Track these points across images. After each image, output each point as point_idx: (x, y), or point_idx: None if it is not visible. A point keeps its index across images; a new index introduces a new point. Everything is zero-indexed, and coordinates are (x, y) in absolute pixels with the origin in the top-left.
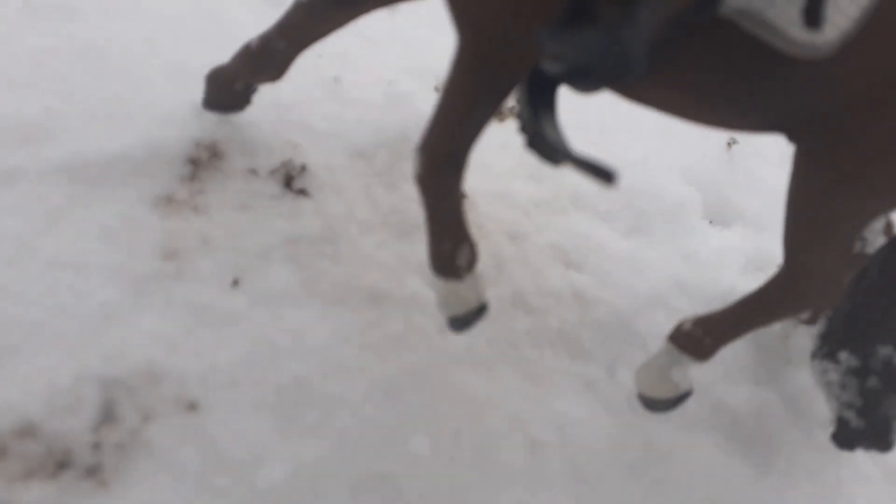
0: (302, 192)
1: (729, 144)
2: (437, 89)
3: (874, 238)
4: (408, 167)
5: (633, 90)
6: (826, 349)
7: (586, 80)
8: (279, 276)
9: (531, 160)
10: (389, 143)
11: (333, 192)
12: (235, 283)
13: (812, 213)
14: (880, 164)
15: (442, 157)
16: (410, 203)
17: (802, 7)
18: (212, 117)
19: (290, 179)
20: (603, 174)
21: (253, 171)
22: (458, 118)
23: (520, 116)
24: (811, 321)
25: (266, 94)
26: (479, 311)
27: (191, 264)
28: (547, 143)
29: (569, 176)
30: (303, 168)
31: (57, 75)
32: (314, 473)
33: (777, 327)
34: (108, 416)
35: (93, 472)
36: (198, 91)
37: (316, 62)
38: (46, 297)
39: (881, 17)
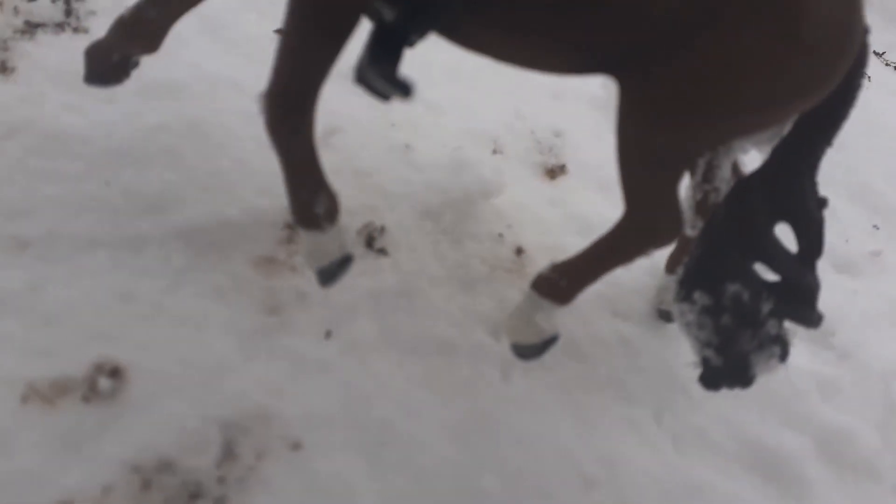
0: (381, 252)
1: None
2: (494, 152)
3: (725, 186)
4: (471, 226)
5: (459, 36)
6: (682, 292)
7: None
8: (364, 327)
9: (580, 216)
10: (454, 203)
11: (407, 250)
12: (328, 334)
13: (638, 151)
14: (692, 97)
15: (286, 101)
16: (473, 259)
17: None
18: None
19: (372, 240)
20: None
21: None
22: (297, 63)
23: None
24: (671, 270)
25: (348, 164)
26: (343, 262)
27: (290, 318)
28: (369, 85)
29: None
30: (382, 229)
31: (171, 150)
32: None
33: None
34: (228, 453)
35: (219, 502)
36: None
37: (389, 131)
38: (174, 350)
39: None
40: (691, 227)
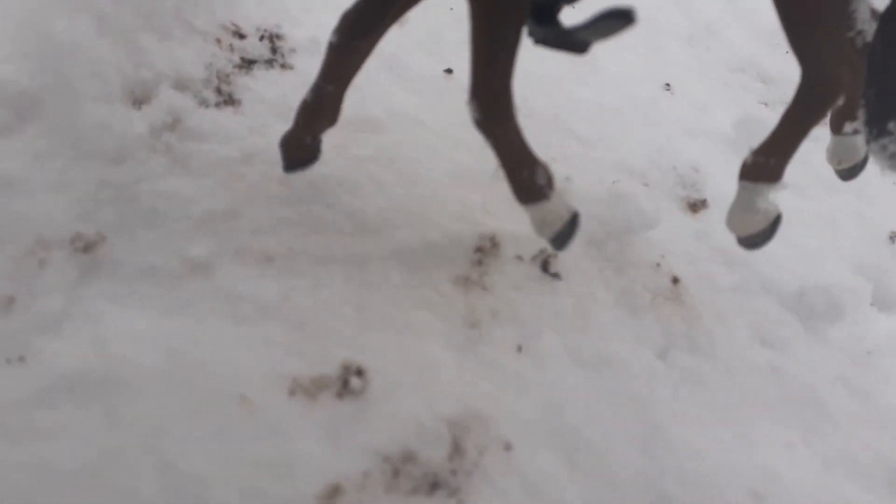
0: (556, 276)
1: (892, 237)
2: (645, 185)
3: (868, 27)
4: (631, 255)
5: None
6: (875, 130)
7: None
8: (550, 343)
9: (723, 248)
10: (615, 233)
11: (578, 275)
12: (520, 348)
13: (801, 9)
14: None
15: (491, 100)
16: (636, 286)
17: None
18: (490, 217)
19: (547, 264)
20: (620, 16)
21: (520, 258)
22: (492, 64)
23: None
24: (837, 130)
25: None
26: (574, 221)
27: (488, 332)
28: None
29: (757, 263)
30: (555, 255)
31: (376, 179)
32: None
33: None
34: (457, 449)
35: (454, 493)
36: (472, 192)
37: (552, 164)
38: (402, 354)
39: None
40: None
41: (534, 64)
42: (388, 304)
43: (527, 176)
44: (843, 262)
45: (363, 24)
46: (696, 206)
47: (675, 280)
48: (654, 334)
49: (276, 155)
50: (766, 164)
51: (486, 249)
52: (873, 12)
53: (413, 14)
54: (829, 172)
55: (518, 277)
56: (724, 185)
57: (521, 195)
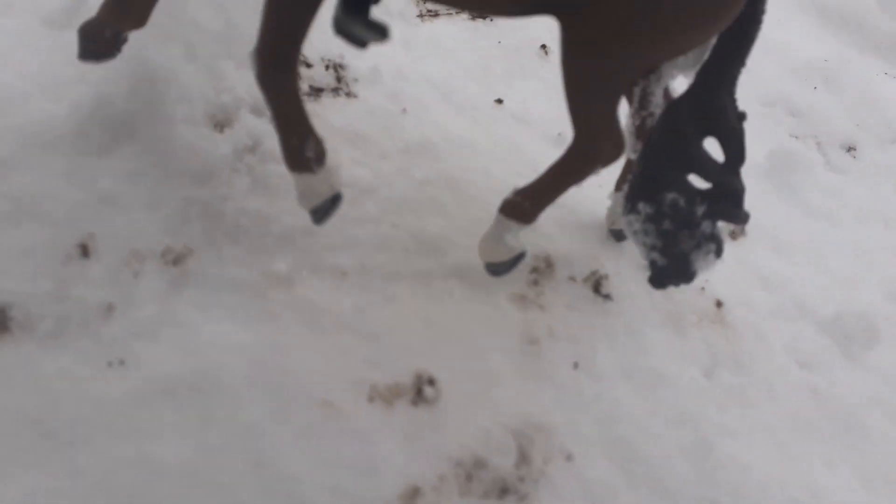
0: (607, 297)
1: None
2: None
3: (659, 111)
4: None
5: None
6: (629, 206)
7: None
8: (604, 360)
9: (761, 273)
10: None
11: (627, 297)
12: (576, 365)
13: (578, 81)
14: (616, 27)
15: (271, 58)
16: (682, 307)
17: None
18: (543, 239)
19: (598, 285)
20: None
21: (573, 279)
22: (279, 23)
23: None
24: (619, 189)
25: (571, 217)
26: (334, 200)
27: (545, 349)
28: (350, 35)
29: (793, 288)
30: (606, 276)
31: (436, 201)
32: None
33: None
34: (523, 458)
35: (523, 498)
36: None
37: (598, 192)
38: (468, 366)
39: None
40: (633, 151)
41: None
42: (452, 318)
43: (296, 144)
44: (876, 289)
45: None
46: (735, 233)
47: (719, 304)
48: (700, 354)
49: (346, 177)
50: (522, 206)
51: (541, 270)
52: (667, 97)
53: (465, 48)
54: (860, 204)
55: (572, 297)
56: (760, 214)
57: (288, 162)
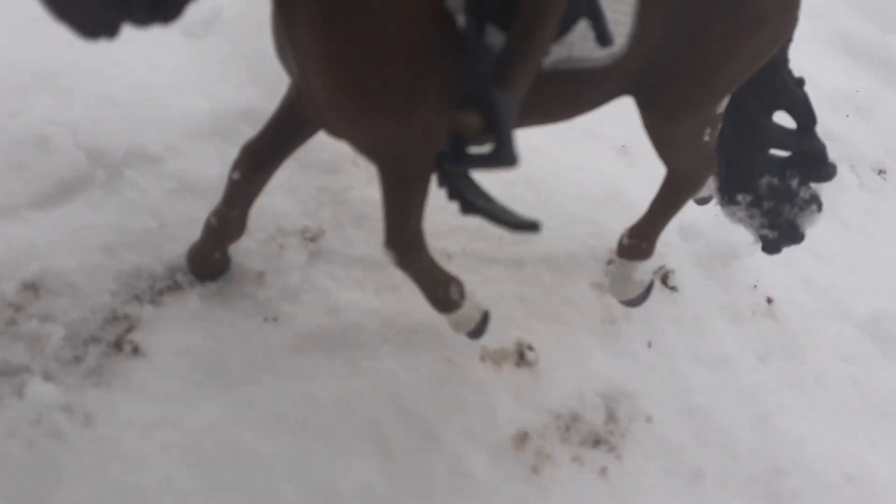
0: (673, 289)
1: None
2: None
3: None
4: (735, 276)
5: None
6: (726, 198)
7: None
8: (674, 341)
9: (804, 276)
10: (720, 257)
11: (691, 290)
12: (649, 344)
13: (669, 135)
14: (699, 92)
15: (406, 244)
16: (740, 302)
17: (594, 37)
18: (617, 232)
19: (666, 278)
20: (525, 225)
21: None
22: (402, 214)
23: (448, 193)
24: (702, 202)
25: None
26: (484, 319)
27: (623, 329)
28: (475, 207)
29: (834, 292)
30: (672, 271)
31: (520, 199)
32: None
33: None
34: (611, 416)
35: (612, 449)
36: (595, 211)
37: None
38: (559, 337)
39: (643, 11)
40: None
41: None
42: (543, 299)
43: (442, 294)
44: None
45: (262, 161)
46: None
47: (769, 300)
48: (755, 342)
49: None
50: (639, 247)
51: (615, 260)
52: None
53: None
54: (891, 220)
55: None
56: None
57: (439, 307)
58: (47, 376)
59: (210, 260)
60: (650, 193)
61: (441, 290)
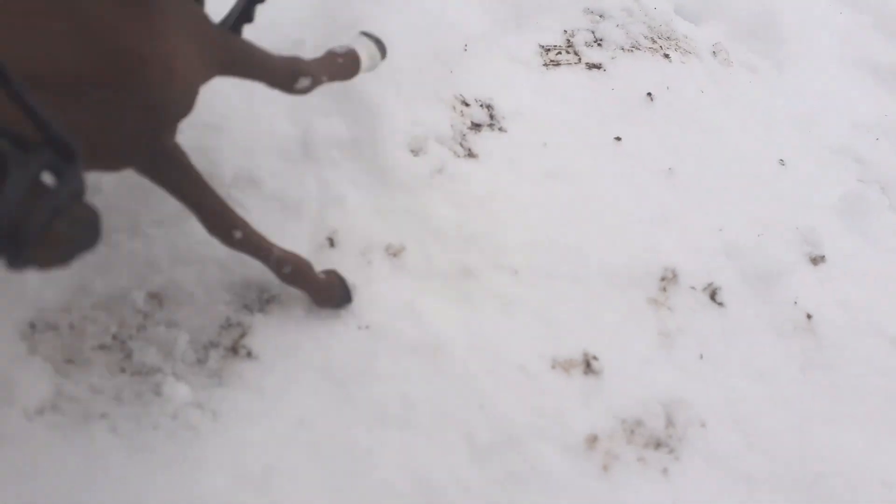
0: (721, 304)
1: None
2: (782, 239)
3: None
4: (778, 293)
5: None
6: None
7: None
8: (723, 354)
9: (842, 297)
10: (763, 276)
11: (737, 304)
12: (701, 356)
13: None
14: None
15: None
16: (782, 316)
17: None
18: (666, 251)
19: (714, 294)
20: None
21: (693, 288)
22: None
23: None
24: None
25: (696, 239)
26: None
27: (676, 342)
28: None
29: (868, 309)
30: (720, 288)
31: (577, 215)
32: None
33: None
34: (670, 422)
35: (672, 451)
36: (651, 227)
37: (707, 218)
38: (622, 350)
39: None
40: None
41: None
42: (603, 310)
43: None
44: None
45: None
46: (817, 260)
47: (809, 316)
48: (796, 354)
49: (512, 192)
50: None
51: (668, 279)
52: None
53: (584, 93)
54: None
55: (693, 303)
56: (836, 244)
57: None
58: (178, 376)
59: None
60: (699, 215)
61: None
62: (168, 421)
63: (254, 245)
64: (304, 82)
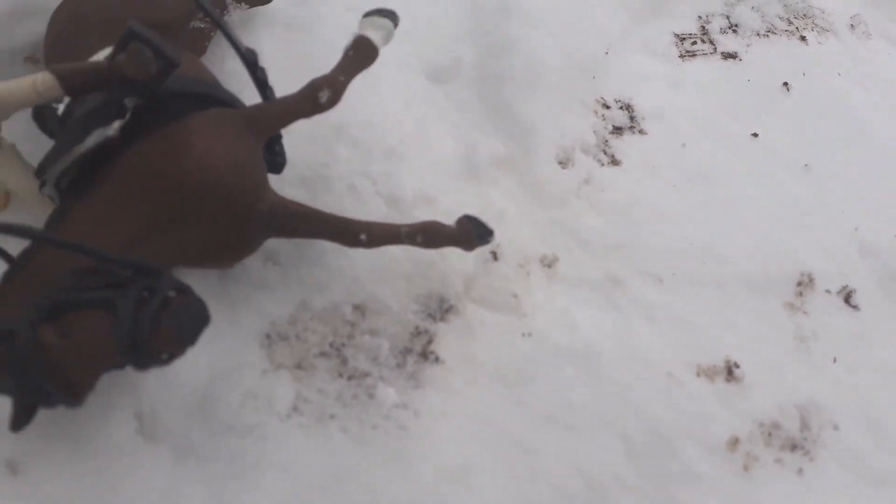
0: (855, 307)
1: None
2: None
3: None
4: None
5: None
6: None
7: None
8: (858, 358)
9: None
10: None
11: (872, 307)
12: (834, 360)
13: None
14: None
15: None
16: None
17: None
18: (801, 258)
19: (848, 298)
20: None
21: (828, 292)
22: None
23: None
24: None
25: (830, 241)
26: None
27: (811, 346)
28: None
29: None
30: (854, 291)
31: (716, 219)
32: None
33: None
34: (805, 424)
35: (807, 453)
36: (783, 233)
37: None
38: (761, 356)
39: None
40: None
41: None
42: (743, 316)
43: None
44: None
45: None
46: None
47: None
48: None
49: (654, 198)
50: None
51: (805, 284)
52: None
53: (720, 85)
54: None
55: (828, 306)
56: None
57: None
58: (385, 380)
59: None
60: (835, 214)
61: None
62: (383, 421)
63: (383, 236)
64: (324, 95)
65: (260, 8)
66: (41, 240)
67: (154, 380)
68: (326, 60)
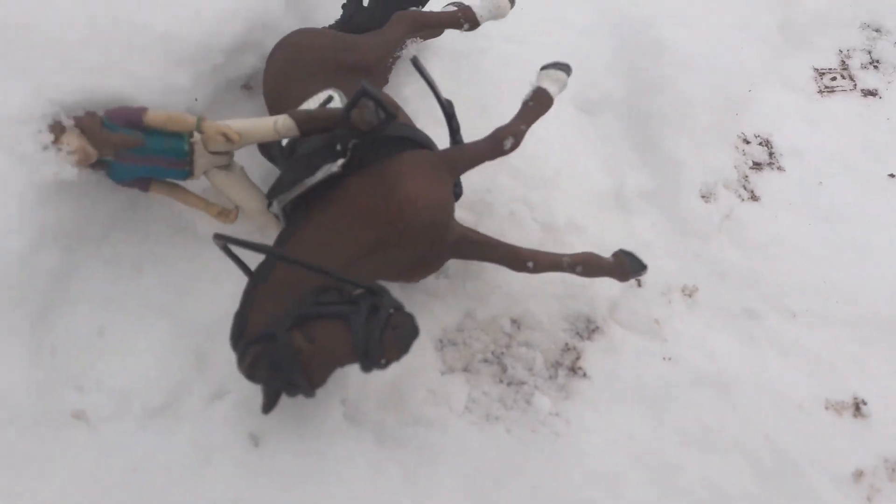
0: None
1: None
2: None
3: None
4: None
5: None
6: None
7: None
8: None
9: None
10: None
11: None
12: None
13: None
14: None
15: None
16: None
17: None
18: None
19: None
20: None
21: None
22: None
23: None
24: None
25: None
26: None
27: None
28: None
29: None
30: None
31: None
32: None
33: None
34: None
35: None
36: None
37: None
38: (886, 395)
39: None
40: None
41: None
42: (872, 355)
43: None
44: None
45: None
46: None
47: None
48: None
49: (790, 236)
50: None
51: None
52: None
53: (858, 122)
54: None
55: None
56: None
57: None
58: (539, 389)
59: None
60: None
61: None
62: (540, 426)
63: (547, 265)
64: (509, 143)
65: (431, 40)
66: (297, 264)
67: (354, 372)
68: (485, 86)
